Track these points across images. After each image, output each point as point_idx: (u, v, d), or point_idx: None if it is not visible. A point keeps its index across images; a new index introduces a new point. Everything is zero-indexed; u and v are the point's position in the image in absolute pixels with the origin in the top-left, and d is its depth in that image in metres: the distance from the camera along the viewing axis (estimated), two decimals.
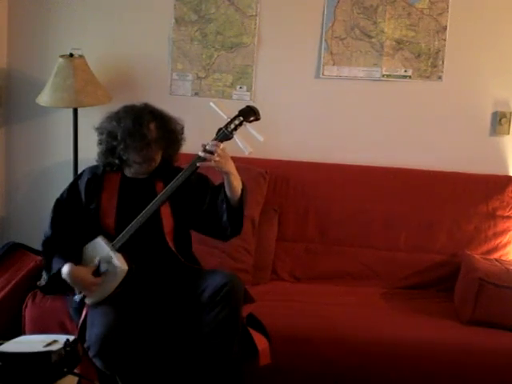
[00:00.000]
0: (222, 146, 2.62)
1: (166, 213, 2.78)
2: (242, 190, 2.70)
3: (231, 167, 2.65)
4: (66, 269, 2.68)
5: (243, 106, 2.70)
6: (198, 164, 2.64)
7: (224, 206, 2.70)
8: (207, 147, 2.61)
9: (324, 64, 3.59)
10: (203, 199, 2.77)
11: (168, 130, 2.78)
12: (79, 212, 2.82)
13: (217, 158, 2.59)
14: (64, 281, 2.70)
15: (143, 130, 2.70)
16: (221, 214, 2.73)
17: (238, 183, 2.68)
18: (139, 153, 2.73)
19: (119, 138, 2.74)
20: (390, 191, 3.48)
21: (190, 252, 2.90)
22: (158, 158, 2.79)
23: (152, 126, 2.73)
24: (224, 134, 2.64)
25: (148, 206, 2.69)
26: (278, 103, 3.63)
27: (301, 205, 3.49)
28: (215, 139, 2.63)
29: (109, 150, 2.79)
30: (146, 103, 2.82)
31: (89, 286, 2.67)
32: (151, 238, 2.77)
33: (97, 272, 2.69)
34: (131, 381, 2.61)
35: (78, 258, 2.74)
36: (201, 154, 2.62)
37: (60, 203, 2.86)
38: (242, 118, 2.65)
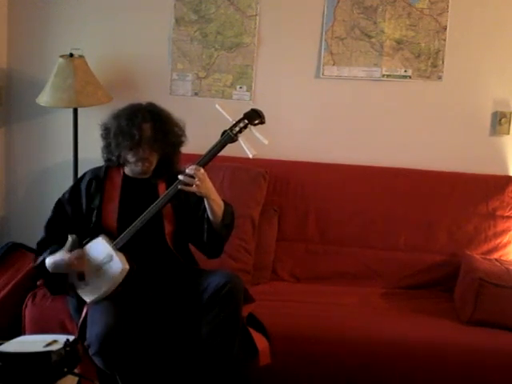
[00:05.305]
0: (202, 170, 2.62)
1: (168, 214, 2.79)
2: (226, 214, 2.71)
3: (211, 192, 2.66)
4: (47, 261, 2.71)
5: (247, 109, 2.70)
6: (179, 187, 2.63)
7: (205, 225, 2.72)
8: (187, 171, 2.61)
9: (324, 64, 3.59)
10: (199, 205, 2.77)
11: (164, 132, 2.76)
12: (78, 216, 2.82)
13: (197, 183, 2.60)
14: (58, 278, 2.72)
15: (133, 129, 2.71)
16: (202, 232, 2.75)
17: (218, 208, 2.69)
18: (129, 152, 2.75)
19: (112, 134, 2.77)
20: (390, 191, 3.48)
21: (189, 253, 2.90)
22: (154, 159, 2.78)
23: (146, 126, 2.73)
24: (229, 137, 2.65)
25: (148, 209, 2.69)
26: (278, 103, 3.63)
27: (301, 205, 3.49)
28: (197, 163, 2.64)
29: (106, 146, 2.83)
30: (151, 103, 2.83)
31: (72, 261, 2.65)
32: (151, 238, 2.77)
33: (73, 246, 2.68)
34: (131, 380, 2.61)
35: None
36: (181, 177, 2.62)
37: (61, 204, 2.87)
38: (246, 121, 2.66)
